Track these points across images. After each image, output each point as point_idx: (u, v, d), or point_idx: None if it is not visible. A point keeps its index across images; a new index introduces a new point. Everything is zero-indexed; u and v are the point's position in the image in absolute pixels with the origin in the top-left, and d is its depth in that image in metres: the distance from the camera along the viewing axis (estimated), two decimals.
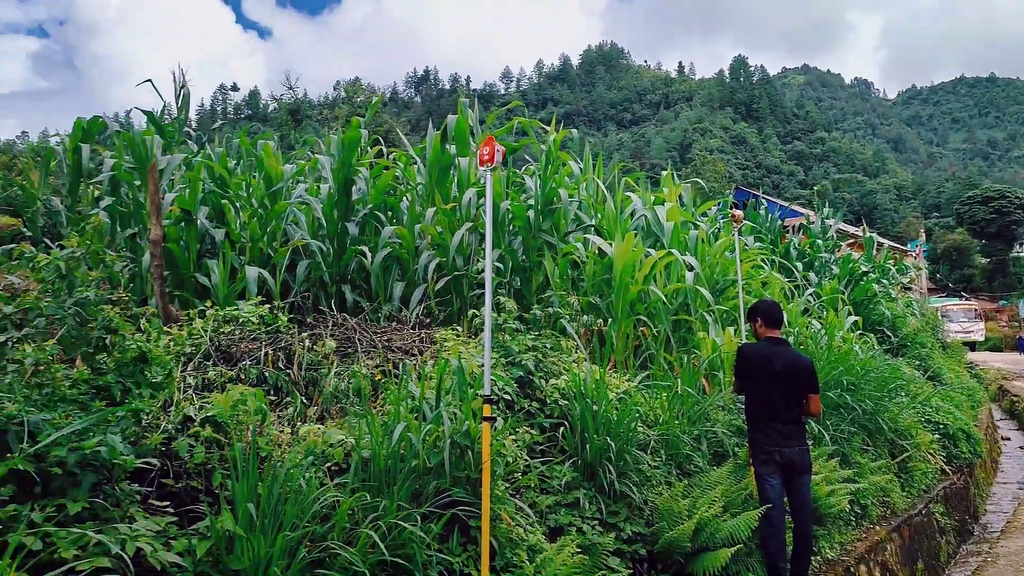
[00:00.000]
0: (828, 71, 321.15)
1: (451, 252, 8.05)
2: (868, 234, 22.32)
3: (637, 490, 5.36)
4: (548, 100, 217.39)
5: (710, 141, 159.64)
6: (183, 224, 8.36)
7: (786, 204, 42.73)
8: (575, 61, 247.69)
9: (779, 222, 17.95)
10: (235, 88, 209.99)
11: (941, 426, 11.34)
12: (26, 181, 10.00)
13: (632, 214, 9.71)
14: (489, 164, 4.72)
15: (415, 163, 9.82)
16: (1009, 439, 18.41)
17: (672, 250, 8.70)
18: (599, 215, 9.49)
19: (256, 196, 8.88)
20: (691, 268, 8.76)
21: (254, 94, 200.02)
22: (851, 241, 23.25)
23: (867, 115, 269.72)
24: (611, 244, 8.10)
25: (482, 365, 4.74)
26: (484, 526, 4.06)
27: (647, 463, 5.67)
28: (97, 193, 9.46)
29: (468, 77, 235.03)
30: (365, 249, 8.45)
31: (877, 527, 7.91)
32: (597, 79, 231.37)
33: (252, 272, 7.80)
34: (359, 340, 6.01)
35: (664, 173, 11.30)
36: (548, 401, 5.68)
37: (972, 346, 41.96)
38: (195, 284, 8.16)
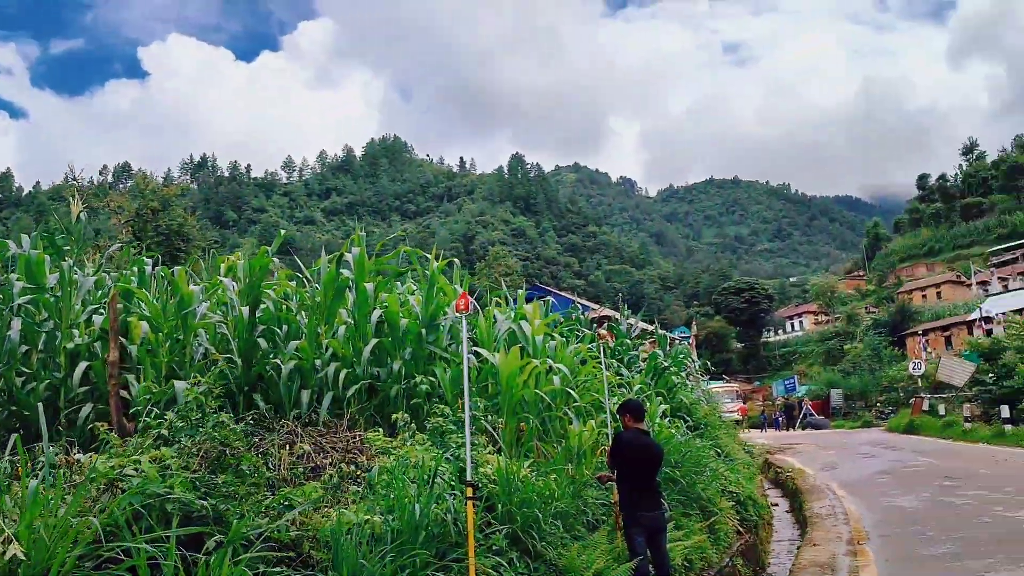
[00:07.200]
0: (597, 170, 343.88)
1: (363, 363, 9.45)
2: (660, 331, 25.45)
3: (553, 551, 7.02)
4: (332, 190, 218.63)
5: (492, 233, 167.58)
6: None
7: (571, 297, 45.96)
8: (358, 152, 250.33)
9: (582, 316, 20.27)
10: None
11: (735, 494, 13.84)
12: None
13: (499, 327, 11.51)
14: (465, 311, 6.36)
15: (308, 283, 11.12)
16: (777, 504, 21.58)
17: (548, 359, 10.62)
18: (474, 328, 11.23)
19: (170, 315, 9.84)
20: (558, 372, 10.65)
21: (6, 176, 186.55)
22: (651, 339, 26.13)
23: (632, 211, 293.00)
24: (496, 355, 9.85)
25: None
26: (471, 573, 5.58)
27: (556, 530, 7.35)
28: None
29: (249, 166, 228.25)
30: (278, 362, 9.62)
31: None
32: (381, 171, 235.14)
33: (180, 385, 8.78)
34: (320, 443, 7.30)
35: (456, 266, 12.66)
36: (480, 485, 7.23)
37: (736, 423, 47.05)
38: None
